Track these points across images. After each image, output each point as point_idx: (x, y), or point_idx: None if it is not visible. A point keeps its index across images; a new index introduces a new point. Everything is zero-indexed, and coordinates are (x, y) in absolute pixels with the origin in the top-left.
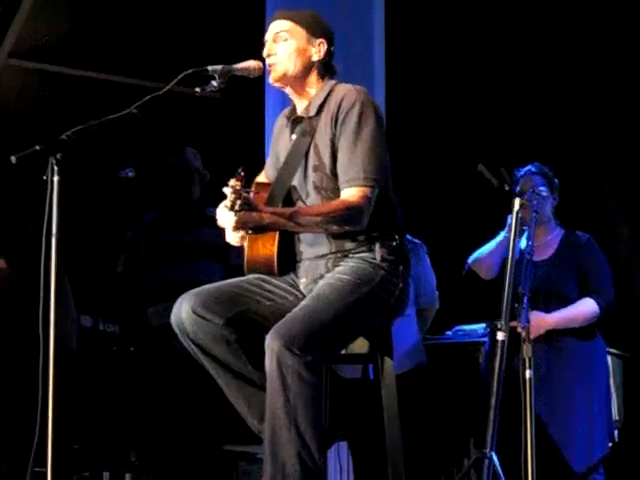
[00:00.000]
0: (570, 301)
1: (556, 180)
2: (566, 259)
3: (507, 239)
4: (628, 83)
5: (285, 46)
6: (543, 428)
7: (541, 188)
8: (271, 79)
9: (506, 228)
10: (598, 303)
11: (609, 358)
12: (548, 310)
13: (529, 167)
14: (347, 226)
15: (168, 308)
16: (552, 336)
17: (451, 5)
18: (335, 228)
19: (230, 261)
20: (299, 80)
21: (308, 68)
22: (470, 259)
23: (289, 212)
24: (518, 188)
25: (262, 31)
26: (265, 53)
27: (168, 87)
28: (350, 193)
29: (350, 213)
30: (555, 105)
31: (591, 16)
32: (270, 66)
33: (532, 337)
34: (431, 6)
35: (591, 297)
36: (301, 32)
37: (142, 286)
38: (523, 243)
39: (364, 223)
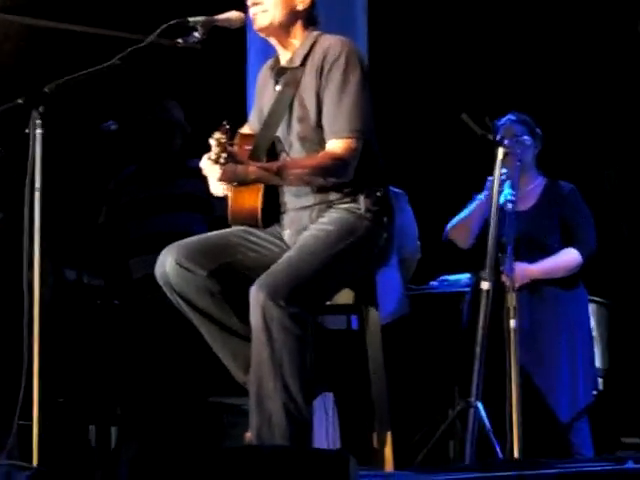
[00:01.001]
0: (553, 251)
1: (537, 129)
2: (548, 209)
3: (484, 200)
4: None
5: None
6: (528, 378)
7: (525, 137)
8: (256, 27)
9: (484, 191)
10: (581, 252)
11: (592, 306)
12: (531, 260)
13: (509, 116)
14: (333, 178)
15: (149, 260)
16: (535, 286)
17: None
18: (321, 180)
19: (215, 212)
20: (284, 29)
21: (293, 17)
22: (448, 226)
23: (275, 167)
24: (500, 137)
25: None
26: (250, 1)
27: (150, 39)
28: (336, 145)
29: (336, 165)
30: (540, 53)
31: None
32: (254, 15)
33: (516, 287)
34: None
35: (574, 247)
36: None
37: (124, 238)
38: (503, 196)
39: (350, 174)
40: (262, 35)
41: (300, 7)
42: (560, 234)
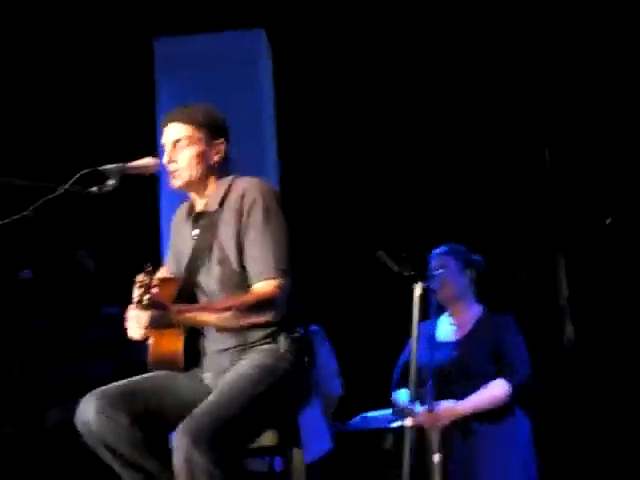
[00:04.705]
0: (485, 379)
1: (474, 256)
2: (482, 337)
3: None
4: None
5: (186, 153)
6: None
7: (440, 271)
8: (174, 186)
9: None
10: (510, 383)
11: None
12: (464, 389)
13: (441, 247)
14: (260, 318)
15: (65, 408)
16: (466, 423)
17: (345, 83)
18: (248, 321)
19: (125, 357)
20: (201, 183)
21: (208, 171)
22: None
23: (199, 308)
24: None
25: (153, 128)
26: (165, 160)
27: (64, 188)
28: (263, 286)
29: (262, 305)
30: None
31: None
32: (171, 173)
33: (442, 426)
34: (323, 85)
35: (503, 377)
36: (200, 135)
37: (38, 388)
38: (443, 328)
39: (278, 314)
40: (179, 191)
41: (216, 158)
42: (493, 363)
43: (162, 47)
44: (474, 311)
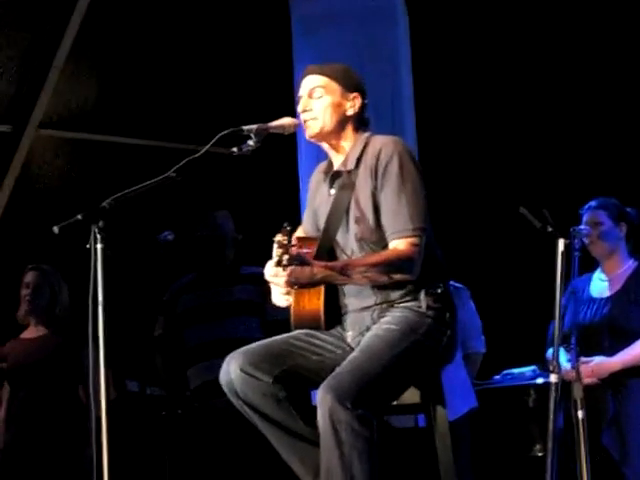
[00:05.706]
0: (636, 335)
1: (628, 209)
2: (633, 292)
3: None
4: None
5: (321, 102)
6: (617, 467)
7: (581, 227)
8: (308, 135)
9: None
10: None
11: None
12: (614, 345)
13: (590, 203)
14: (398, 275)
15: (208, 366)
16: (617, 381)
17: (480, 44)
18: (386, 278)
19: (267, 316)
20: (335, 135)
21: (343, 122)
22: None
23: (340, 265)
24: (583, 226)
25: (290, 88)
26: (300, 109)
27: (206, 148)
28: (399, 244)
29: (401, 263)
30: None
31: None
32: (305, 122)
33: (596, 381)
34: (459, 47)
35: None
36: (336, 87)
37: (181, 348)
38: (596, 284)
39: (416, 272)
40: (314, 142)
41: (350, 112)
42: None
43: (299, 6)
44: (627, 266)
